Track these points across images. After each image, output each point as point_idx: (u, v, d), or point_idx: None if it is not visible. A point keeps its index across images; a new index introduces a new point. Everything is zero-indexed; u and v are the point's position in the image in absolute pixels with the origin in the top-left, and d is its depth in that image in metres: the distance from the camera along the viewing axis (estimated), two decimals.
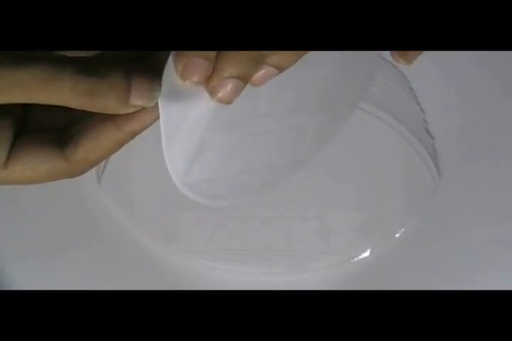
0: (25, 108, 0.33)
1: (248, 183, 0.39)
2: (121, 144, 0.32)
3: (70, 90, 0.29)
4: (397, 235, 0.52)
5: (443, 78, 0.55)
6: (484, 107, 0.55)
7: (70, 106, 0.29)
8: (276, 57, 0.31)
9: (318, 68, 0.36)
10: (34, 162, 0.31)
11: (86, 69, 0.29)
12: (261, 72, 0.31)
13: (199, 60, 0.30)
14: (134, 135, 0.32)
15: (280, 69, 0.31)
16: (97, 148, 0.31)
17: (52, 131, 0.32)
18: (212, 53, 0.30)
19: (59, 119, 0.33)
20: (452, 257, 0.51)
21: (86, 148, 0.31)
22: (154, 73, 0.30)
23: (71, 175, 0.32)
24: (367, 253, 0.52)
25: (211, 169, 0.35)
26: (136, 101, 0.30)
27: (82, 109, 0.30)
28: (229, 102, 0.31)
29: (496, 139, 0.54)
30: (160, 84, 0.30)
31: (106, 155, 0.32)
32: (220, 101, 0.30)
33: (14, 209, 0.52)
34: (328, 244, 0.52)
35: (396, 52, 0.38)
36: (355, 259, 0.52)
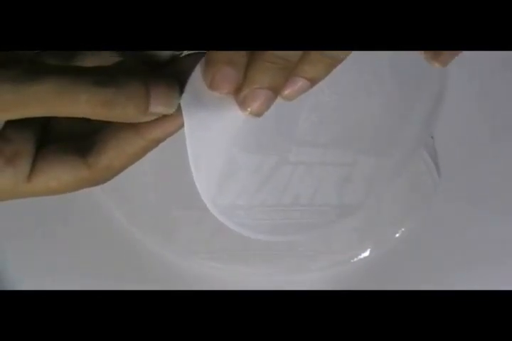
0: (46, 119, 0.32)
1: (288, 220, 0.37)
2: (144, 151, 0.31)
3: (87, 102, 0.28)
4: (397, 235, 0.52)
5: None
6: (484, 107, 0.54)
7: (88, 117, 0.29)
8: (308, 67, 0.30)
9: (370, 100, 0.35)
10: (57, 172, 0.31)
11: (102, 79, 0.29)
12: (292, 84, 0.30)
13: (229, 70, 0.29)
14: (157, 142, 0.31)
15: (312, 81, 0.30)
16: (120, 155, 0.31)
17: (74, 140, 0.32)
18: (242, 63, 0.29)
19: (81, 128, 0.32)
20: (452, 257, 0.51)
21: (109, 155, 0.31)
22: (172, 80, 0.30)
23: (95, 183, 0.32)
24: (367, 253, 0.52)
25: (246, 194, 0.33)
26: (156, 108, 0.29)
27: (100, 119, 0.29)
28: (259, 114, 0.30)
29: (495, 139, 0.54)
30: (179, 91, 0.30)
31: (130, 162, 0.32)
32: (250, 113, 0.30)
33: (14, 209, 0.52)
34: (328, 244, 0.52)
35: (429, 54, 0.37)
36: (355, 259, 0.52)
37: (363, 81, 0.33)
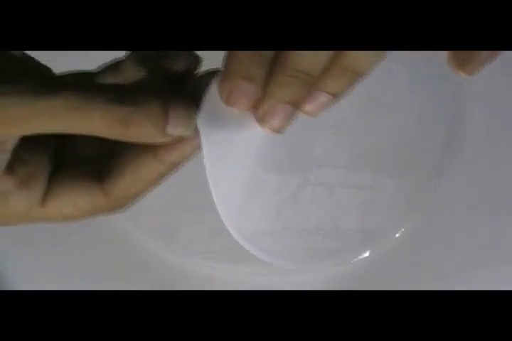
0: (63, 143, 0.31)
1: (311, 244, 0.35)
2: (162, 176, 0.30)
3: (102, 119, 0.27)
4: (397, 235, 0.52)
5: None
6: (484, 107, 0.54)
7: (102, 135, 0.28)
8: (330, 81, 0.29)
9: (390, 119, 0.33)
10: (72, 198, 0.30)
11: (118, 96, 0.27)
12: (315, 99, 0.29)
13: (247, 85, 0.28)
14: (175, 166, 0.30)
15: (335, 95, 0.29)
16: (137, 181, 0.30)
17: (91, 165, 0.31)
18: (261, 77, 0.28)
19: (98, 153, 0.31)
20: (452, 257, 0.51)
21: (126, 181, 0.30)
22: (190, 100, 0.28)
23: (111, 210, 0.31)
24: (367, 253, 0.52)
25: (267, 217, 0.32)
26: (174, 130, 0.28)
27: (115, 138, 0.28)
28: (280, 131, 0.28)
29: (495, 139, 0.54)
30: (196, 111, 0.28)
31: (147, 189, 0.30)
32: (270, 129, 0.28)
33: None
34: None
35: (455, 62, 0.34)
36: (355, 259, 0.52)
37: (383, 98, 0.32)
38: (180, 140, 0.29)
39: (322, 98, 0.29)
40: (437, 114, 0.37)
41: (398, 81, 0.34)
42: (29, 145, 0.29)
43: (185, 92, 0.30)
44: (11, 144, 0.28)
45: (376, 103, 0.32)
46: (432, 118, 0.36)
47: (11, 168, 0.29)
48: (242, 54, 0.28)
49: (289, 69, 0.28)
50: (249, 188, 0.30)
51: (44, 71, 0.30)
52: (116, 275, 0.51)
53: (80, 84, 0.28)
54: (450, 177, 0.53)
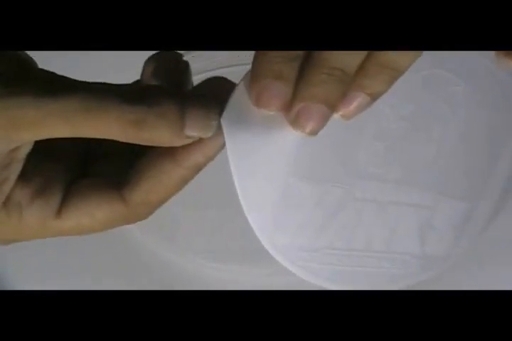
0: (79, 151, 0.30)
1: (360, 267, 0.32)
2: (184, 182, 0.29)
3: (116, 120, 0.26)
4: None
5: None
6: (484, 107, 0.54)
7: (117, 138, 0.27)
8: (367, 80, 0.27)
9: (446, 130, 0.30)
10: (90, 207, 0.28)
11: (132, 96, 0.26)
12: (350, 100, 0.27)
13: (278, 85, 0.26)
14: (196, 169, 0.28)
15: (372, 96, 0.27)
16: (158, 188, 0.28)
17: (109, 173, 0.29)
18: (292, 76, 0.26)
19: (116, 161, 0.30)
20: None
21: (146, 188, 0.28)
22: (210, 100, 0.27)
23: (131, 220, 0.29)
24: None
25: (308, 232, 0.30)
26: (192, 131, 0.26)
27: (131, 141, 0.27)
28: (314, 133, 0.26)
29: (495, 140, 0.54)
30: (217, 112, 0.27)
31: (169, 196, 0.29)
32: (303, 131, 0.26)
33: None
34: None
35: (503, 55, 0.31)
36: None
37: (435, 107, 0.29)
38: (199, 142, 0.27)
39: (359, 99, 0.27)
40: (506, 125, 0.33)
41: (453, 91, 0.31)
42: (43, 153, 0.28)
43: (202, 90, 0.29)
44: (23, 152, 0.27)
45: (425, 113, 0.29)
46: (500, 131, 0.32)
47: (24, 177, 0.28)
48: (272, 53, 0.27)
49: (321, 66, 0.26)
50: (285, 198, 0.28)
51: (49, 73, 0.29)
52: (116, 275, 0.51)
53: (93, 85, 0.27)
54: None
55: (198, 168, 0.28)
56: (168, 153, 0.28)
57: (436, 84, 0.30)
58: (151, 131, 0.26)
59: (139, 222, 0.52)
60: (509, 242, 0.51)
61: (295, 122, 0.26)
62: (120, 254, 0.52)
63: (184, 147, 0.27)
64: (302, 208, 0.29)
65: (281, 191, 0.28)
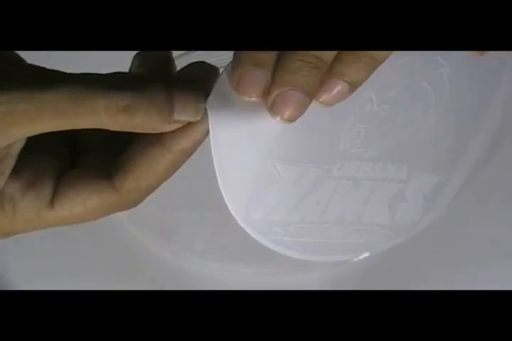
0: (68, 143, 0.31)
1: (330, 239, 0.34)
2: (174, 167, 0.29)
3: (106, 109, 0.26)
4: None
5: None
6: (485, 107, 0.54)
7: (108, 127, 0.27)
8: (346, 68, 0.27)
9: (427, 112, 0.32)
10: (82, 197, 0.29)
11: (120, 83, 0.27)
12: (330, 87, 0.27)
13: (256, 71, 0.26)
14: (185, 154, 0.29)
15: (352, 84, 0.27)
16: (148, 174, 0.29)
17: (99, 163, 0.30)
18: (272, 64, 0.27)
19: (105, 151, 0.30)
20: (452, 257, 0.51)
21: (137, 175, 0.29)
22: (196, 84, 0.28)
23: (123, 207, 0.30)
24: (367, 254, 0.52)
25: (282, 209, 0.31)
26: (181, 116, 0.27)
27: (121, 129, 0.27)
28: (290, 120, 0.27)
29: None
30: (203, 96, 0.27)
31: (159, 182, 0.29)
32: (281, 118, 0.27)
33: None
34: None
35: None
36: (355, 259, 0.52)
37: (419, 91, 0.30)
38: (186, 127, 0.28)
39: (338, 86, 0.27)
40: (482, 107, 0.34)
41: (439, 75, 0.31)
42: (32, 146, 0.29)
43: (188, 76, 0.29)
44: (17, 147, 0.28)
45: (408, 95, 0.30)
46: (475, 112, 0.34)
47: (16, 170, 0.28)
48: None
49: (296, 54, 0.27)
50: (263, 178, 0.29)
51: (36, 67, 0.29)
52: (116, 275, 0.51)
53: (80, 75, 0.27)
54: None
55: (187, 153, 0.29)
56: (156, 139, 0.28)
57: (421, 66, 0.31)
58: (141, 117, 0.27)
59: (139, 223, 0.52)
60: (509, 242, 0.51)
61: (272, 108, 0.27)
62: (120, 254, 0.52)
63: (172, 133, 0.28)
64: (278, 187, 0.30)
65: (258, 172, 0.29)
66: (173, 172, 0.29)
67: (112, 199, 0.29)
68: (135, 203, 0.30)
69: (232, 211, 0.29)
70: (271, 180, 0.29)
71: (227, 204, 0.29)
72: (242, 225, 0.30)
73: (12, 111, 0.26)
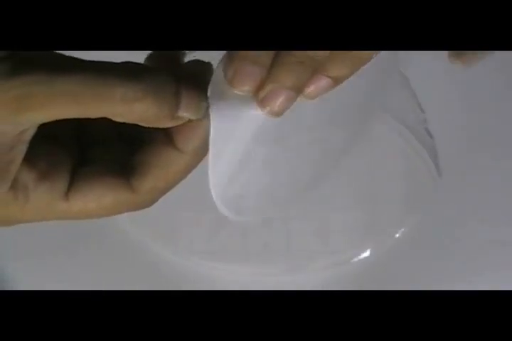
0: (83, 137, 0.31)
1: (276, 198, 0.36)
2: (188, 167, 0.30)
3: (122, 97, 0.27)
4: (397, 235, 0.52)
5: (443, 77, 0.55)
6: (485, 107, 0.54)
7: (118, 117, 0.27)
8: (332, 65, 0.29)
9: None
10: (97, 193, 0.29)
11: (135, 74, 0.27)
12: (315, 83, 0.29)
13: (251, 67, 0.28)
14: (198, 155, 0.30)
15: (336, 80, 0.29)
16: (165, 175, 0.30)
17: (114, 161, 0.30)
18: (266, 61, 0.28)
19: (119, 149, 0.31)
20: (452, 257, 0.51)
21: (155, 176, 0.30)
22: (200, 82, 0.29)
23: (138, 206, 0.31)
24: (367, 253, 0.52)
25: (248, 184, 0.33)
26: (184, 112, 0.28)
27: (128, 120, 0.28)
28: (278, 115, 0.28)
29: (496, 139, 0.54)
30: (206, 94, 0.29)
31: (176, 183, 0.30)
32: (269, 113, 0.28)
33: None
34: (328, 244, 0.52)
35: (453, 54, 0.35)
36: (355, 259, 0.52)
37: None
38: (192, 126, 0.29)
39: (323, 82, 0.29)
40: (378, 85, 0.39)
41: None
42: (45, 138, 0.29)
43: (192, 73, 0.30)
44: (29, 134, 0.28)
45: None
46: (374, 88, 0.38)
47: (29, 161, 0.29)
48: None
49: (296, 54, 0.28)
50: (240, 160, 0.31)
51: (54, 53, 0.29)
52: (116, 275, 0.51)
53: (97, 62, 0.28)
54: (450, 177, 0.53)
55: (199, 153, 0.30)
56: (168, 141, 0.29)
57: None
58: (153, 106, 0.27)
59: (139, 223, 0.52)
60: (509, 242, 0.51)
61: (262, 103, 0.28)
62: (120, 254, 0.52)
63: (181, 133, 0.29)
64: (249, 167, 0.32)
65: (240, 157, 0.30)
66: (186, 174, 0.30)
67: (127, 198, 0.30)
68: (150, 203, 0.31)
69: (212, 193, 0.31)
70: (245, 161, 0.31)
71: (209, 182, 0.30)
72: (217, 205, 0.32)
73: (29, 94, 0.26)
